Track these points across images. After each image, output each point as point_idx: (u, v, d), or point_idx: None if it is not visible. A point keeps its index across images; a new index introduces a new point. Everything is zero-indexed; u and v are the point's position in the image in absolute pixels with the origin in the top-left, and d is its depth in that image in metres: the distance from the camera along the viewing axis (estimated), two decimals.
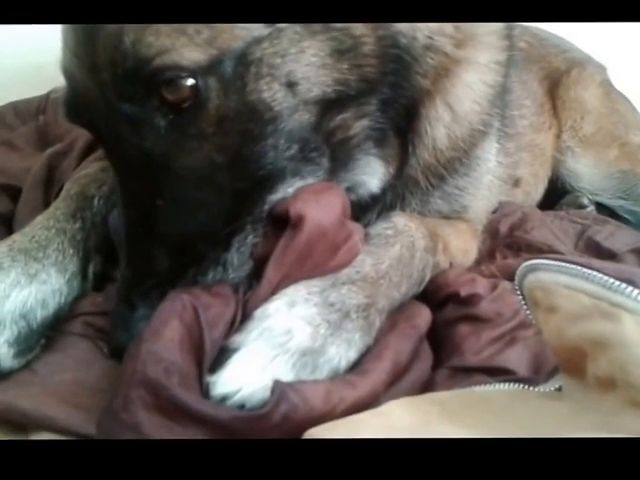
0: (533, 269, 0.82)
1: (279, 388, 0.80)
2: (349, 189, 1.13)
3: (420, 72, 1.14)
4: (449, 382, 1.01)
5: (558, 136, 2.10)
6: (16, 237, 1.11)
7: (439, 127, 1.23)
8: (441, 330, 1.12)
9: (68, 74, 1.00)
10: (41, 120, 1.92)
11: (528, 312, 0.89)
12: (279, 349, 0.88)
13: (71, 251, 1.12)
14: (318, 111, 1.02)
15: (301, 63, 0.97)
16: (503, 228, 1.64)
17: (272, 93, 0.96)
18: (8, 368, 0.98)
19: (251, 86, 0.95)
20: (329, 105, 1.03)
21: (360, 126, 1.10)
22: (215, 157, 0.95)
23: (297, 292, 0.96)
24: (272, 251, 0.99)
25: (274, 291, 0.97)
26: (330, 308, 0.96)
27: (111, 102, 0.94)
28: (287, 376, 0.87)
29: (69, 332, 1.06)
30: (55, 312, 1.06)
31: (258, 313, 0.93)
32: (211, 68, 0.91)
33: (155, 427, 0.78)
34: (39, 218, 1.17)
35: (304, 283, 0.99)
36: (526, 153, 1.99)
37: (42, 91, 2.03)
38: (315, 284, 0.99)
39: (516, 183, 1.95)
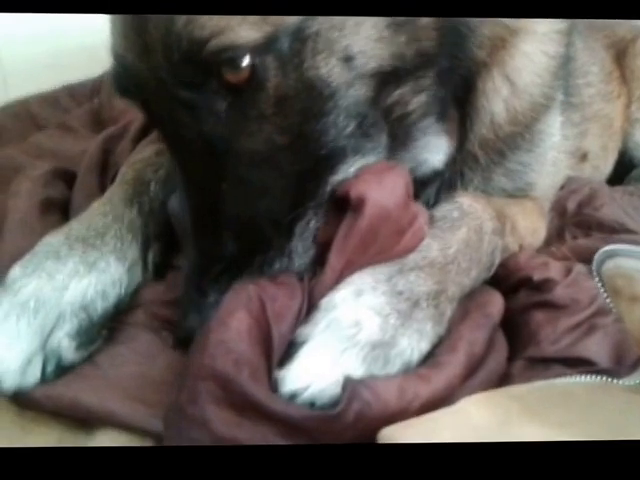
0: (612, 255, 0.76)
1: (351, 385, 0.77)
2: (412, 169, 1.09)
3: (476, 43, 1.10)
4: (526, 374, 0.96)
5: (627, 106, 2.00)
6: (73, 225, 1.09)
7: (497, 101, 1.18)
8: (514, 318, 1.06)
9: (119, 58, 0.97)
10: (96, 102, 1.91)
11: (607, 299, 0.84)
12: (348, 342, 0.85)
13: (130, 238, 1.09)
14: (374, 85, 0.98)
15: (359, 36, 0.93)
16: (571, 206, 1.56)
17: (329, 68, 0.92)
18: (70, 361, 0.95)
19: (308, 62, 0.91)
20: (386, 79, 0.99)
21: (418, 101, 1.06)
22: (276, 138, 0.93)
23: (363, 280, 0.93)
24: (334, 236, 0.95)
25: (338, 279, 0.94)
26: (399, 297, 0.92)
27: (167, 87, 0.91)
28: (358, 371, 0.84)
29: (131, 323, 1.03)
30: (116, 303, 1.03)
31: (324, 303, 0.90)
32: (268, 46, 0.87)
33: (224, 423, 0.76)
34: (95, 204, 1.15)
35: (369, 270, 0.95)
36: (593, 124, 1.88)
37: (94, 73, 2.02)
38: (381, 271, 0.95)
39: (583, 157, 1.85)
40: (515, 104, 1.20)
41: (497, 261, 1.14)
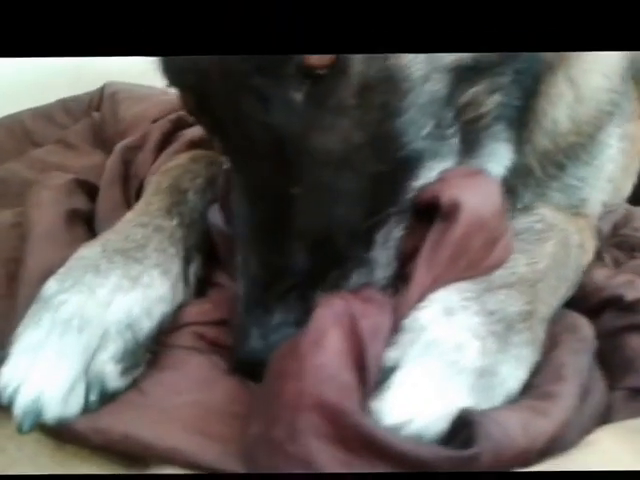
0: None
1: (477, 421, 0.65)
2: None
3: None
4: (632, 405, 0.85)
5: None
6: (108, 236, 0.97)
7: (561, 107, 1.06)
8: (603, 343, 0.94)
9: None
10: (96, 117, 1.78)
11: None
12: (452, 368, 0.74)
13: (172, 251, 0.97)
14: (450, 81, 0.87)
15: None
16: (606, 227, 1.44)
17: (411, 58, 0.82)
18: (114, 389, 0.83)
19: None
20: (462, 75, 0.88)
21: (492, 102, 0.95)
22: (353, 135, 0.82)
23: (450, 297, 0.82)
24: (419, 247, 0.84)
25: (425, 295, 0.82)
26: (491, 317, 0.82)
27: (236, 73, 0.79)
28: (465, 402, 0.73)
29: (177, 345, 0.90)
30: (160, 322, 0.91)
31: (409, 323, 0.79)
32: None
33: (332, 461, 0.64)
34: (130, 215, 1.02)
35: (455, 287, 0.84)
36: None
37: (80, 91, 1.91)
38: (468, 288, 0.84)
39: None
40: (580, 111, 1.09)
41: (580, 278, 1.03)
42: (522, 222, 1.01)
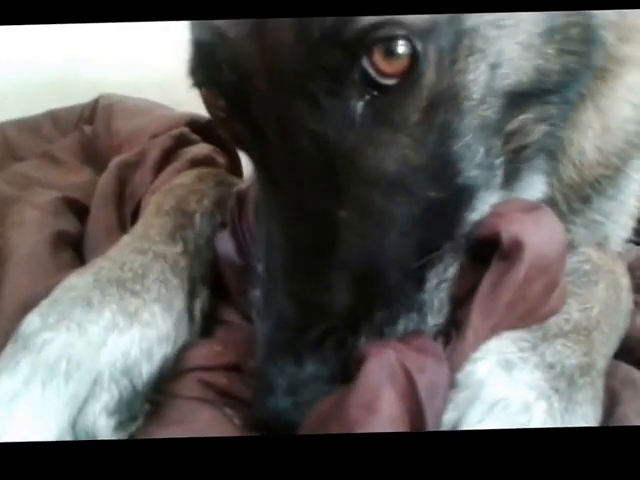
0: None
1: None
2: None
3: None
4: None
5: None
6: (101, 263, 0.83)
7: (588, 137, 0.96)
8: None
9: (211, 35, 0.72)
10: (87, 130, 1.62)
11: None
12: None
13: (175, 282, 0.84)
14: (501, 106, 0.77)
15: (513, 39, 0.73)
16: None
17: (477, 75, 0.71)
18: None
19: (460, 64, 0.70)
20: (514, 101, 0.78)
21: (540, 131, 0.84)
22: (411, 155, 0.71)
23: (506, 348, 0.71)
24: (470, 288, 0.73)
25: (481, 344, 0.71)
26: (552, 371, 0.71)
27: (286, 77, 0.67)
28: None
29: (182, 395, 0.77)
30: (161, 366, 0.78)
31: (464, 378, 0.68)
32: (430, 32, 0.66)
33: None
34: (127, 239, 0.89)
35: (508, 336, 0.73)
36: None
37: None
38: (523, 337, 0.74)
39: None
40: (608, 142, 0.99)
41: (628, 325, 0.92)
42: (569, 262, 0.89)
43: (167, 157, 1.22)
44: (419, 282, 0.72)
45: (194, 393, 0.77)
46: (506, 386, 0.66)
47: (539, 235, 0.73)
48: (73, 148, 1.58)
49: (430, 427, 0.60)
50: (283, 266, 0.72)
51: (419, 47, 0.65)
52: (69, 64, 1.95)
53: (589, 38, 0.82)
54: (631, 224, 1.24)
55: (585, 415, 0.70)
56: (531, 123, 0.82)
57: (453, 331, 0.71)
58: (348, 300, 0.70)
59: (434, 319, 0.73)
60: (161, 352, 0.78)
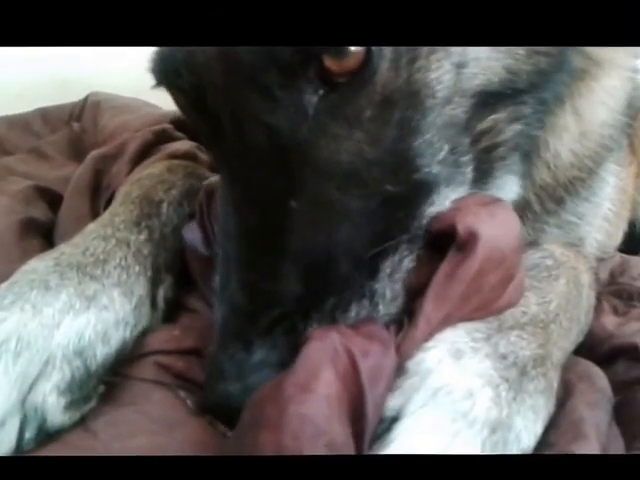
0: None
1: None
2: None
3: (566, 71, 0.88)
4: None
5: (637, 175, 1.83)
6: (64, 249, 0.82)
7: (564, 140, 0.96)
8: (617, 395, 0.82)
9: None
10: (76, 127, 1.61)
11: None
12: (462, 420, 0.62)
13: (137, 269, 0.82)
14: (471, 106, 0.76)
15: None
16: (602, 274, 1.34)
17: (440, 74, 0.71)
18: (56, 425, 0.69)
19: (421, 61, 0.69)
20: (485, 100, 0.77)
21: (512, 131, 0.83)
22: (366, 150, 0.70)
23: (458, 337, 0.70)
24: (427, 280, 0.71)
25: (433, 333, 0.69)
26: (504, 361, 0.70)
27: (243, 68, 0.66)
28: None
29: (137, 378, 0.76)
30: (118, 349, 0.76)
31: (413, 365, 0.66)
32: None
33: None
34: (92, 226, 0.88)
35: (463, 326, 0.72)
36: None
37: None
38: (477, 328, 0.72)
39: None
40: (584, 145, 0.99)
41: (591, 321, 0.91)
42: (531, 258, 0.89)
43: (146, 151, 1.20)
44: (372, 271, 0.71)
45: (150, 375, 0.76)
46: (452, 373, 0.64)
47: (494, 228, 0.72)
48: (61, 144, 1.57)
49: (370, 410, 0.58)
50: (236, 254, 0.71)
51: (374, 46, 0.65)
52: (68, 63, 1.93)
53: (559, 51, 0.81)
54: (606, 227, 1.24)
55: (534, 405, 0.68)
56: (503, 122, 0.81)
57: (405, 320, 0.69)
58: (299, 288, 0.68)
59: (386, 308, 0.71)
60: (118, 335, 0.76)
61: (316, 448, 0.52)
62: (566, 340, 0.81)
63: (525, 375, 0.70)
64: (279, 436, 0.53)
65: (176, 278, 0.88)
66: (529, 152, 0.92)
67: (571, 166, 0.99)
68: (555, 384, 0.74)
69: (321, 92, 0.67)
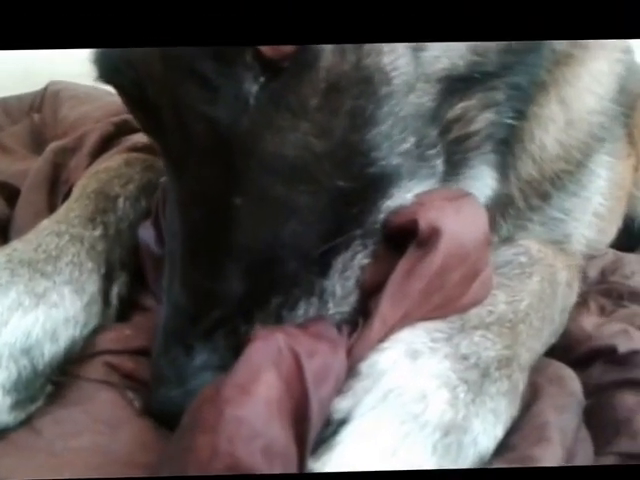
0: None
1: None
2: None
3: (544, 55, 0.89)
4: None
5: (636, 169, 1.84)
6: (17, 245, 0.84)
7: (550, 130, 0.96)
8: (591, 399, 0.83)
9: None
10: (36, 119, 1.63)
11: None
12: (413, 423, 0.62)
13: (90, 265, 0.84)
14: (438, 93, 0.76)
15: None
16: (593, 272, 1.35)
17: (394, 57, 0.70)
18: (2, 424, 0.70)
19: (370, 45, 0.69)
20: (452, 86, 0.77)
21: (484, 120, 0.84)
22: (314, 142, 0.69)
23: (417, 337, 0.70)
24: (384, 277, 0.71)
25: (390, 333, 0.70)
26: (464, 362, 0.70)
27: (178, 57, 0.67)
28: (426, 464, 0.61)
29: (86, 377, 0.77)
30: (68, 348, 0.78)
31: (366, 367, 0.67)
32: None
33: None
34: (46, 222, 0.89)
35: (423, 326, 0.72)
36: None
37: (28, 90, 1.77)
38: (438, 327, 0.73)
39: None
40: (571, 135, 0.99)
41: (565, 322, 0.93)
42: (503, 254, 0.90)
43: (106, 143, 1.22)
44: (323, 268, 0.72)
45: (98, 375, 0.77)
46: (406, 375, 0.65)
47: (458, 223, 0.73)
48: (22, 136, 1.59)
49: (314, 413, 0.59)
50: (179, 252, 0.72)
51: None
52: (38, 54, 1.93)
53: None
54: (597, 222, 1.24)
55: (495, 408, 0.69)
56: (474, 110, 0.82)
57: (360, 319, 0.70)
58: (242, 288, 0.69)
59: (337, 306, 0.72)
60: (67, 334, 0.78)
61: (252, 451, 0.53)
62: (537, 341, 0.82)
63: (487, 377, 0.71)
64: (215, 439, 0.54)
65: (131, 275, 0.90)
66: (510, 143, 0.92)
67: (558, 158, 0.99)
68: (521, 386, 0.75)
69: (262, 80, 0.67)
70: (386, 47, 0.69)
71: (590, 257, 1.39)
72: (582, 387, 0.83)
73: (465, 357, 0.71)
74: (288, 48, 0.66)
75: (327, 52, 0.67)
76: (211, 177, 0.71)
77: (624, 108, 1.11)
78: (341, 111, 0.70)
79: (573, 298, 0.98)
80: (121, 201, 0.93)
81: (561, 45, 0.92)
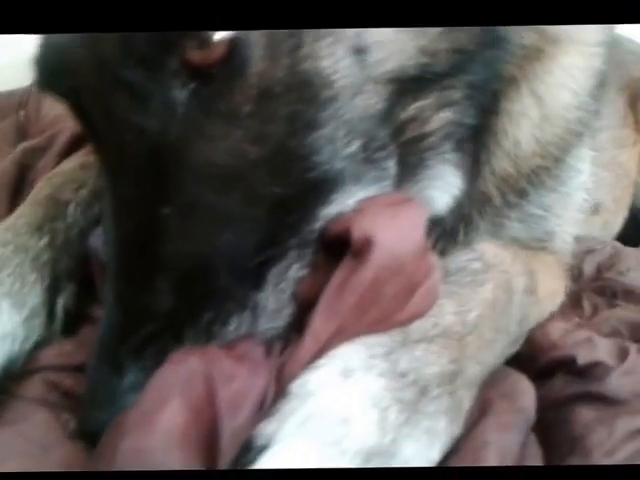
0: None
1: None
2: None
3: (509, 51, 0.87)
4: None
5: None
6: None
7: (524, 126, 0.95)
8: (548, 411, 0.82)
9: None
10: (21, 115, 1.63)
11: None
12: (333, 449, 0.60)
13: (33, 277, 0.84)
14: (389, 94, 0.75)
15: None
16: (588, 268, 1.33)
17: (334, 61, 0.70)
18: None
19: (307, 48, 0.68)
20: (404, 87, 0.76)
21: (440, 120, 0.82)
22: (248, 149, 0.69)
23: (353, 354, 0.68)
24: (321, 290, 0.71)
25: (323, 349, 0.69)
26: (402, 380, 0.68)
27: (107, 64, 0.66)
28: None
29: (24, 396, 0.77)
30: (4, 365, 0.78)
31: (296, 387, 0.65)
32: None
33: None
34: None
35: (363, 341, 0.70)
36: (607, 172, 1.66)
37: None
38: (379, 342, 0.71)
39: (595, 210, 1.63)
40: (546, 131, 0.97)
41: (527, 331, 0.91)
42: (456, 260, 0.88)
43: (77, 143, 1.21)
44: (257, 281, 0.71)
45: (36, 394, 0.77)
46: (334, 396, 0.64)
47: (394, 232, 0.72)
48: (7, 133, 1.59)
49: (225, 441, 0.59)
50: (113, 264, 0.72)
51: (238, 35, 0.64)
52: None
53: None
54: (581, 218, 1.22)
55: (431, 428, 0.67)
56: (429, 110, 0.81)
57: (293, 335, 0.70)
58: (172, 302, 0.69)
59: (270, 321, 0.72)
60: (4, 350, 0.78)
61: None
62: (488, 353, 0.80)
63: (425, 395, 0.69)
64: (111, 467, 0.54)
65: (80, 286, 0.90)
66: (483, 139, 0.92)
67: (534, 154, 0.98)
68: (466, 403, 0.74)
69: (191, 87, 0.67)
70: (324, 51, 0.69)
71: (587, 251, 1.37)
72: (541, 400, 0.82)
73: (403, 374, 0.69)
74: (216, 54, 0.65)
75: (257, 59, 0.66)
76: (141, 186, 0.70)
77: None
78: (276, 117, 0.69)
79: (540, 306, 0.96)
80: (72, 207, 0.93)
81: (531, 40, 0.90)
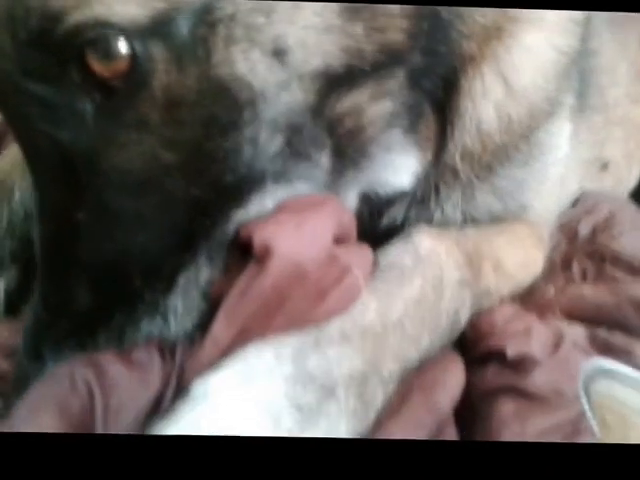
0: (607, 374, 0.54)
1: None
2: (365, 194, 0.91)
3: (464, 33, 0.88)
4: None
5: None
6: None
7: (486, 104, 0.95)
8: (476, 400, 0.84)
9: None
10: None
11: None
12: None
13: None
14: (318, 89, 0.76)
15: (296, 25, 0.72)
16: (584, 230, 1.30)
17: (250, 65, 0.71)
18: None
19: (219, 55, 0.70)
20: (334, 81, 0.77)
21: (378, 111, 0.84)
22: (162, 154, 0.72)
23: (259, 355, 0.70)
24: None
25: (223, 354, 0.71)
26: (307, 383, 0.70)
27: (14, 77, 0.68)
28: None
29: None
30: None
31: (194, 389, 0.68)
32: (156, 28, 0.66)
33: None
34: None
35: (272, 340, 0.72)
36: (618, 128, 1.62)
37: None
38: (288, 342, 0.72)
39: (604, 167, 1.60)
40: (510, 109, 0.98)
41: (464, 321, 0.91)
42: (388, 254, 0.88)
43: None
44: (167, 285, 0.74)
45: None
46: (224, 401, 0.66)
47: (296, 241, 0.73)
48: None
49: None
50: (39, 262, 0.76)
51: (138, 47, 0.66)
52: None
53: (420, 12, 0.81)
54: (557, 192, 1.22)
55: (330, 430, 0.69)
56: (365, 102, 0.82)
57: (197, 338, 0.73)
58: (88, 302, 0.73)
59: (179, 324, 0.75)
60: None
61: None
62: (412, 350, 0.81)
63: (330, 397, 0.70)
64: None
65: (25, 268, 0.94)
66: (451, 119, 0.94)
67: (498, 131, 0.98)
68: (379, 401, 0.75)
69: (97, 98, 0.69)
70: (238, 57, 0.70)
71: (586, 211, 1.36)
72: (472, 389, 0.84)
73: (311, 376, 0.71)
74: (120, 66, 0.67)
75: (160, 71, 0.68)
76: (58, 190, 0.73)
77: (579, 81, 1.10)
78: (192, 121, 0.71)
79: (477, 290, 0.95)
80: (17, 192, 0.96)
81: (489, 19, 0.91)
